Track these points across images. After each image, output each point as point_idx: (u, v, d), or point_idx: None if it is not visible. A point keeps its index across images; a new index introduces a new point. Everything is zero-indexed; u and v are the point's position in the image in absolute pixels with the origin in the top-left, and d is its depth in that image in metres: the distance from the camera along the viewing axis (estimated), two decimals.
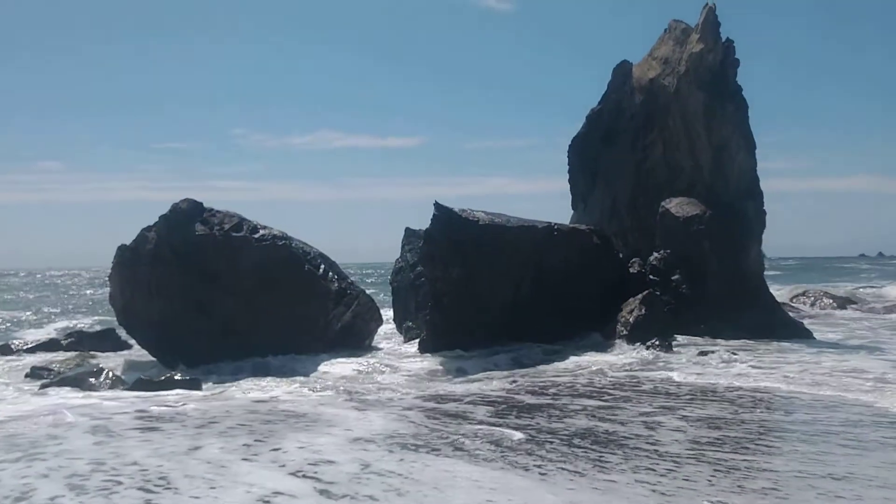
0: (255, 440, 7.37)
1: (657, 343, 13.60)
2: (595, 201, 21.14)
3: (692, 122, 17.41)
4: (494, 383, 10.86)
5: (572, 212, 22.46)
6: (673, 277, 16.56)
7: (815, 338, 15.54)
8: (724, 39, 17.07)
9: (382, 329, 16.49)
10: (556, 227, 15.66)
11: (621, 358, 12.98)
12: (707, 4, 17.00)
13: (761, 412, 8.57)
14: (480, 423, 8.16)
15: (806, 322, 18.04)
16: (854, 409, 8.41)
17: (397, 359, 13.57)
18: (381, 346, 15.70)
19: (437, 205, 14.18)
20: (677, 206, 16.99)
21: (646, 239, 17.92)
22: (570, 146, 21.65)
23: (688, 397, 9.43)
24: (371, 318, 15.80)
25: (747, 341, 14.49)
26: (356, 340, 15.10)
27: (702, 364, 12.15)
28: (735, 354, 12.86)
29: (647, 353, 13.26)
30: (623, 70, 20.10)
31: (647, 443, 7.04)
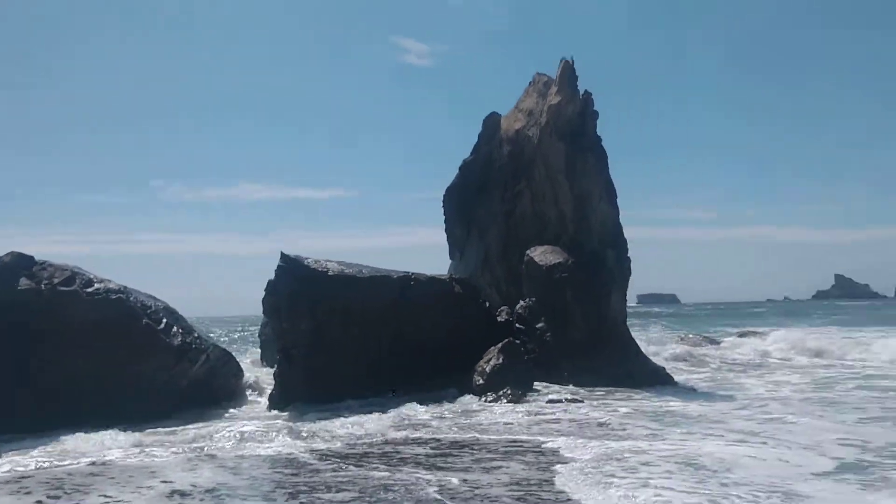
0: None
1: (509, 392, 13.46)
2: (471, 251, 21.21)
3: (555, 173, 17.68)
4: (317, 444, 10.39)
5: (449, 261, 22.50)
6: (538, 325, 16.57)
7: (676, 383, 15.69)
8: (582, 92, 17.48)
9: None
10: (413, 276, 15.47)
11: (442, 409, 12.66)
12: (563, 59, 17.42)
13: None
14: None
15: (681, 366, 18.39)
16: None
17: (239, 420, 12.92)
18: (248, 401, 14.87)
19: (282, 255, 13.84)
20: (541, 254, 17.11)
21: (517, 288, 17.97)
22: (444, 197, 21.77)
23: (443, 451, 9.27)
24: (230, 372, 15.20)
25: (611, 388, 14.52)
26: (214, 397, 14.43)
27: (531, 413, 11.95)
28: (579, 402, 12.88)
29: (476, 405, 13.06)
30: (492, 121, 20.42)
31: None
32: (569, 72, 17.30)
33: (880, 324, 42.34)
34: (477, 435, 10.29)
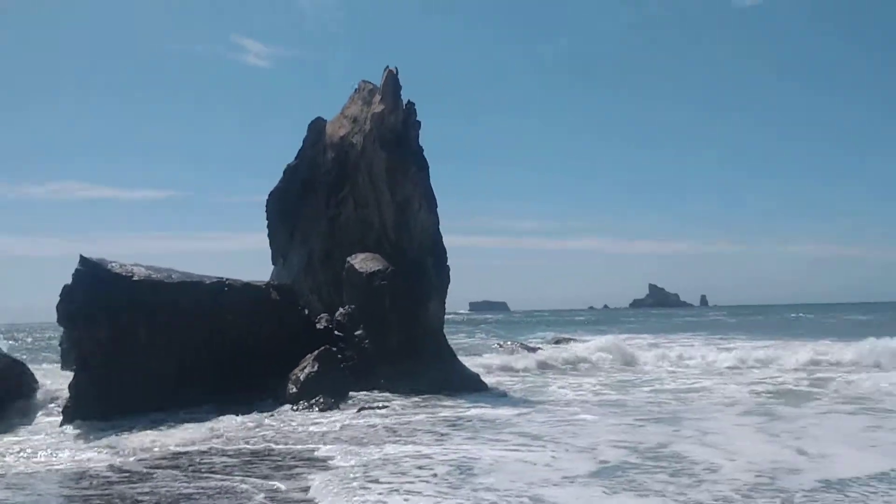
0: None
1: (321, 401, 13.32)
2: (293, 256, 20.85)
3: (377, 180, 17.74)
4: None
5: (272, 267, 22.02)
6: (356, 333, 16.54)
7: (489, 389, 16.14)
8: (405, 102, 17.68)
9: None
10: (227, 282, 14.98)
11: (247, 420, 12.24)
12: (388, 67, 17.55)
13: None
14: None
15: (497, 372, 19.01)
16: None
17: (31, 434, 11.96)
18: (42, 414, 13.71)
19: (81, 259, 12.95)
20: (361, 261, 17.10)
21: (339, 294, 17.84)
22: (267, 201, 21.29)
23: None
24: (22, 383, 14.11)
25: (426, 395, 14.63)
26: (2, 410, 13.30)
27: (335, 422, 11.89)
28: (388, 408, 13.01)
29: (287, 415, 12.79)
30: (317, 126, 20.22)
31: None
32: (392, 81, 17.44)
33: (683, 331, 46.18)
34: (272, 445, 10.09)
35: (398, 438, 10.20)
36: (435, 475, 7.81)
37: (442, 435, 10.44)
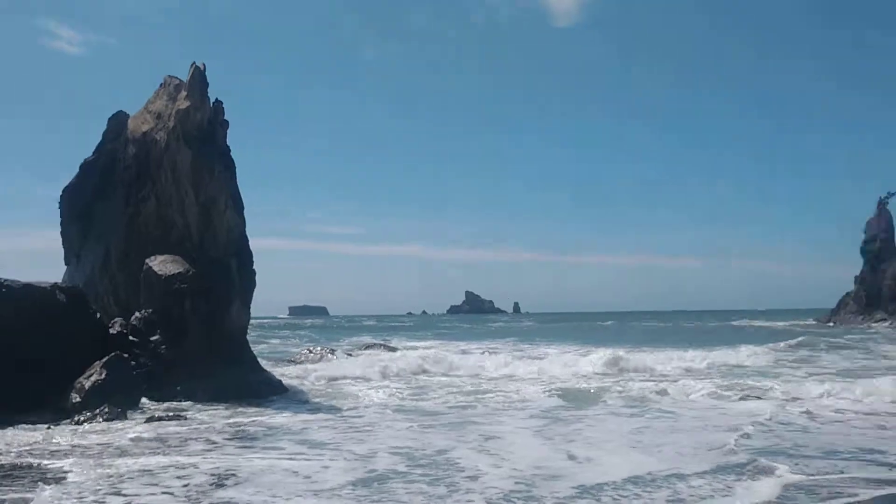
0: None
1: (106, 411, 12.59)
2: (88, 257, 19.59)
3: (181, 179, 17.08)
4: None
5: (65, 267, 20.58)
6: (153, 338, 15.82)
7: (289, 395, 16.02)
8: (213, 100, 17.19)
9: None
10: (5, 283, 13.83)
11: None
12: (194, 63, 16.99)
13: None
14: None
15: (301, 377, 18.83)
16: None
17: None
18: None
19: None
20: (160, 263, 16.38)
21: (138, 297, 16.96)
22: (61, 197, 19.88)
23: None
24: None
25: (224, 403, 14.24)
26: None
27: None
28: (181, 418, 12.58)
29: (67, 426, 11.95)
30: (118, 120, 19.18)
31: None
32: (199, 77, 16.89)
33: (494, 336, 48.09)
34: (33, 460, 9.24)
35: (168, 448, 9.83)
36: (186, 486, 7.64)
37: (215, 444, 10.19)
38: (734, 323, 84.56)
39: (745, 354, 24.64)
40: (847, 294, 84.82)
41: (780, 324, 79.11)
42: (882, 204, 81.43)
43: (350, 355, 27.19)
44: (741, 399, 15.04)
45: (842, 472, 8.31)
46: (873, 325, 73.65)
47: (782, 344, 30.48)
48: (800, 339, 33.56)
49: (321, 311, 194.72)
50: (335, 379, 19.81)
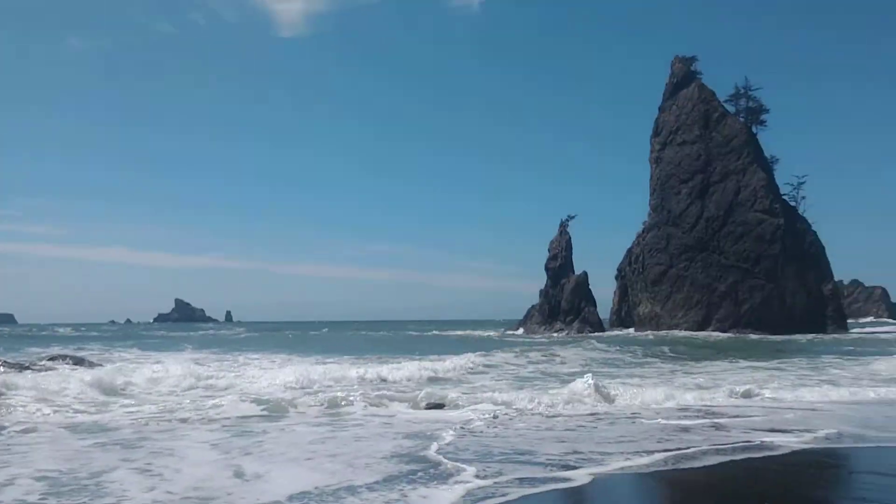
0: None
1: None
2: None
3: None
4: None
5: None
6: None
7: None
8: None
9: None
10: None
11: None
12: None
13: None
14: None
15: None
16: None
17: None
18: None
19: None
20: None
21: None
22: None
23: None
24: None
25: None
26: None
27: None
28: None
29: None
30: None
31: None
32: None
33: (209, 346, 46.45)
34: None
35: None
36: None
37: None
38: (435, 332, 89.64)
39: (450, 365, 25.19)
40: (533, 306, 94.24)
41: (478, 333, 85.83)
42: (563, 225, 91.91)
43: (28, 369, 24.83)
44: (431, 408, 15.36)
45: (502, 474, 8.80)
46: (553, 334, 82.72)
47: (472, 355, 32.83)
48: (492, 351, 36.21)
49: (6, 319, 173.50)
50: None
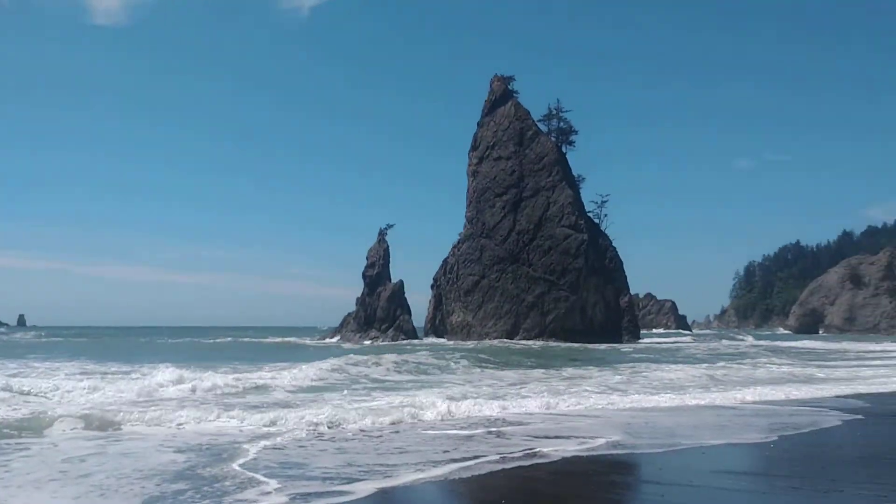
0: None
1: None
2: None
3: None
4: None
5: None
6: None
7: None
8: None
9: None
10: None
11: None
12: None
13: None
14: None
15: None
16: None
17: None
18: None
19: None
20: None
21: None
22: None
23: None
24: None
25: None
26: None
27: None
28: None
29: None
30: None
31: None
32: None
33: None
34: None
35: None
36: None
37: None
38: (227, 339, 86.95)
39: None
40: (349, 314, 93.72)
41: (293, 339, 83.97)
42: (382, 234, 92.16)
43: None
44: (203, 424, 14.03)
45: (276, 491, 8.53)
46: (367, 342, 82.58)
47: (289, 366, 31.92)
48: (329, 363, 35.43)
49: None
50: None
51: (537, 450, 10.86)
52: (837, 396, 18.76)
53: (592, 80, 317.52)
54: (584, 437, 12.08)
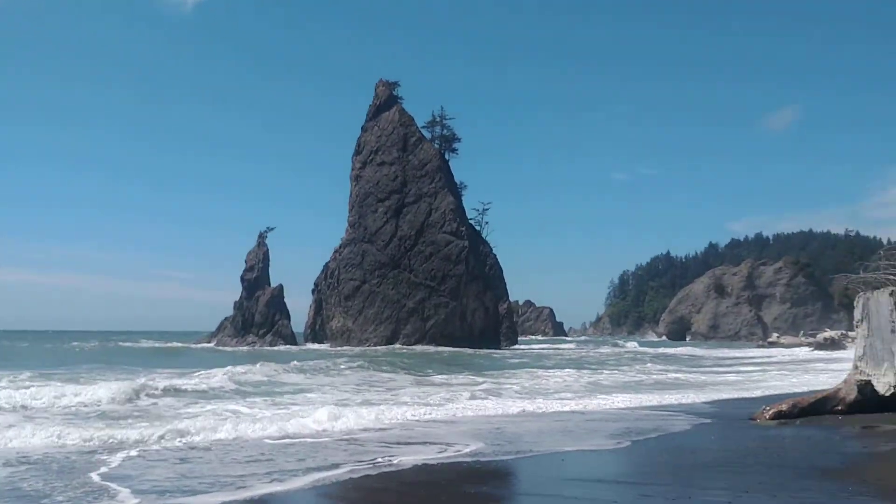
0: None
1: None
2: None
3: None
4: None
5: None
6: None
7: None
8: None
9: None
10: None
11: None
12: None
13: None
14: None
15: None
16: None
17: None
18: None
19: None
20: None
21: None
22: None
23: None
24: None
25: None
26: None
27: None
28: None
29: None
30: None
31: None
32: None
33: None
34: None
35: None
36: None
37: None
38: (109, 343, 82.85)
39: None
40: (226, 318, 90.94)
41: (170, 344, 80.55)
42: (262, 237, 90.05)
43: None
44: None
45: None
46: (243, 347, 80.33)
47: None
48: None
49: None
50: None
51: (389, 459, 10.64)
52: (706, 402, 19.54)
53: (480, 80, 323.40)
54: (442, 445, 11.93)
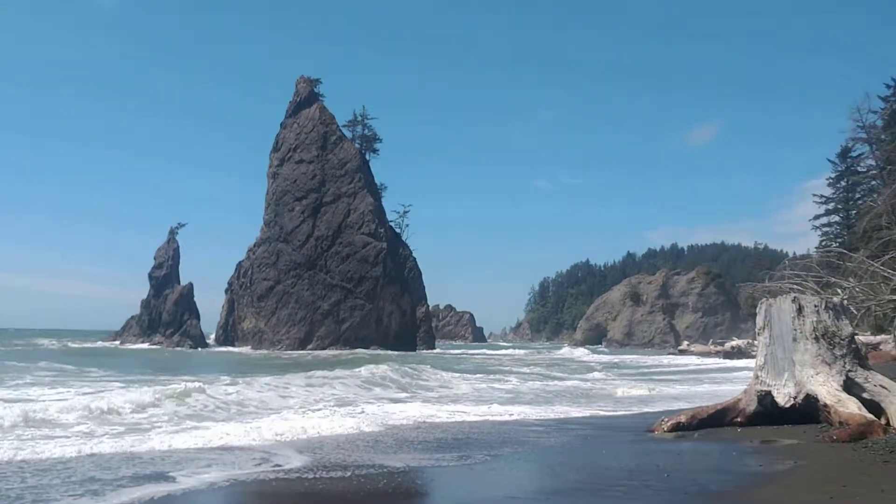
0: None
1: None
2: None
3: None
4: None
5: None
6: None
7: None
8: None
9: None
10: None
11: None
12: None
13: None
14: None
15: None
16: None
17: None
18: None
19: None
20: None
21: None
22: None
23: None
24: None
25: None
26: None
27: None
28: None
29: None
30: None
31: None
32: None
33: None
34: None
35: None
36: None
37: None
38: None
39: None
40: (133, 317, 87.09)
41: (74, 344, 76.43)
42: (172, 233, 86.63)
43: None
44: None
45: None
46: (152, 346, 76.96)
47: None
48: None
49: None
50: None
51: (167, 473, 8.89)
52: (610, 415, 18.67)
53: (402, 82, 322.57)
54: (257, 459, 10.08)
